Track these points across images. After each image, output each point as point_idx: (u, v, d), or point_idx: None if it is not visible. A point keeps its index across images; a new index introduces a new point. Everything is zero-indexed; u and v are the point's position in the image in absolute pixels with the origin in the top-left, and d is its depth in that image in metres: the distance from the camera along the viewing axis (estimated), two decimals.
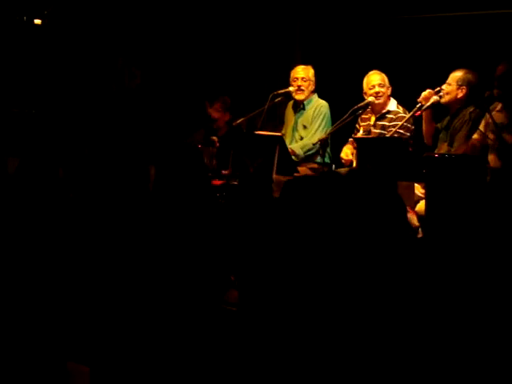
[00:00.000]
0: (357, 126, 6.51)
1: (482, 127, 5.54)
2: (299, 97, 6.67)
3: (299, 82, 6.64)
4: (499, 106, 5.47)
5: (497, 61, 5.51)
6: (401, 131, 6.09)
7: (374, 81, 6.29)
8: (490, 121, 5.42)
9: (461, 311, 2.88)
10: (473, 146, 5.57)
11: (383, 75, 6.33)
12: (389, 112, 6.31)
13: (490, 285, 2.94)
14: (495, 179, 5.19)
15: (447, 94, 5.82)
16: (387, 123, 6.27)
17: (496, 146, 5.38)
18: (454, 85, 5.80)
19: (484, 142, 5.51)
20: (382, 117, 6.35)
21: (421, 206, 5.57)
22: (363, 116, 6.48)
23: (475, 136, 5.58)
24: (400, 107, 6.32)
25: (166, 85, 7.60)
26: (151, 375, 3.17)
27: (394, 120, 6.23)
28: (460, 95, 5.80)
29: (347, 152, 6.27)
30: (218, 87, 7.48)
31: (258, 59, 7.79)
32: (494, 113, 5.42)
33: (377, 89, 6.28)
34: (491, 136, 5.43)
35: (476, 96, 5.71)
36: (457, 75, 5.81)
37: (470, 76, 5.81)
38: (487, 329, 2.82)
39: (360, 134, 6.36)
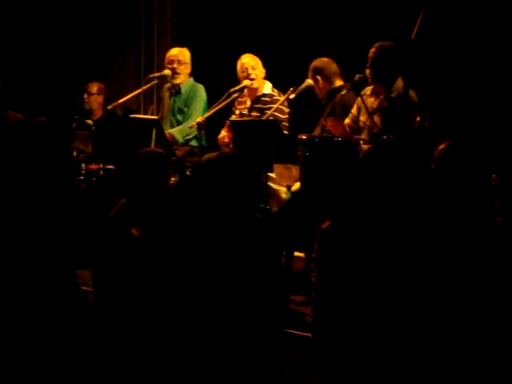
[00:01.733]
0: (233, 109, 6.51)
1: (354, 111, 5.60)
2: (176, 81, 6.56)
3: (175, 65, 6.52)
4: (369, 91, 5.55)
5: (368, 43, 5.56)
6: (276, 114, 6.12)
7: (247, 64, 6.30)
8: (362, 105, 5.48)
9: None
10: (344, 129, 5.61)
11: (256, 58, 6.35)
12: (264, 95, 6.33)
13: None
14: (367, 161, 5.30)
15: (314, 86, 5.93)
16: (263, 106, 6.29)
17: (367, 129, 5.45)
18: (310, 76, 5.93)
19: (355, 126, 5.57)
20: (257, 100, 6.37)
21: (296, 186, 5.61)
22: (239, 99, 6.47)
23: (347, 120, 5.64)
24: (275, 90, 6.35)
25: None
26: None
27: (269, 103, 6.26)
28: (317, 84, 5.92)
29: (224, 135, 6.24)
30: (92, 72, 7.37)
31: (130, 41, 7.69)
32: (365, 97, 5.49)
33: (249, 71, 6.28)
34: (363, 119, 5.49)
35: (348, 79, 5.75)
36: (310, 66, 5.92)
37: (317, 64, 5.92)
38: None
39: (235, 117, 6.35)
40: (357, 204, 3.22)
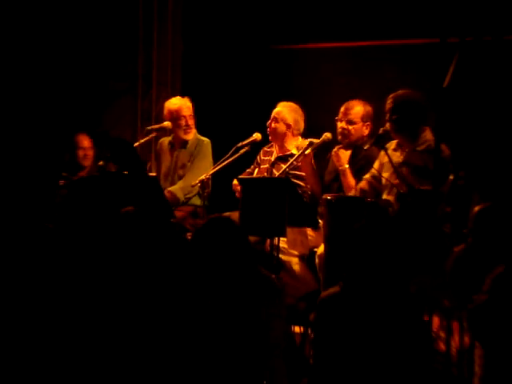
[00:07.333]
0: (258, 158, 5.86)
1: (376, 166, 5.23)
2: (189, 136, 6.01)
3: (188, 120, 5.97)
4: (394, 145, 5.20)
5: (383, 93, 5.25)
6: (294, 172, 5.51)
7: (275, 113, 5.68)
8: (385, 160, 5.12)
9: None
10: (363, 187, 5.24)
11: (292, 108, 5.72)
12: (292, 155, 5.56)
13: None
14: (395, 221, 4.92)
15: (352, 132, 5.46)
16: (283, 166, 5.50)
17: (391, 187, 5.07)
18: (359, 122, 5.46)
19: (376, 183, 5.22)
20: (282, 158, 5.69)
21: (320, 249, 5.17)
22: (266, 148, 5.84)
23: (367, 176, 5.25)
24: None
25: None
26: None
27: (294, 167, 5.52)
28: (366, 132, 5.50)
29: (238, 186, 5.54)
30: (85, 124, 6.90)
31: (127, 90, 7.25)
32: (389, 151, 5.12)
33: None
34: (386, 175, 5.11)
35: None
36: (358, 110, 5.46)
37: (369, 109, 5.53)
38: None
39: (256, 172, 5.75)
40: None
